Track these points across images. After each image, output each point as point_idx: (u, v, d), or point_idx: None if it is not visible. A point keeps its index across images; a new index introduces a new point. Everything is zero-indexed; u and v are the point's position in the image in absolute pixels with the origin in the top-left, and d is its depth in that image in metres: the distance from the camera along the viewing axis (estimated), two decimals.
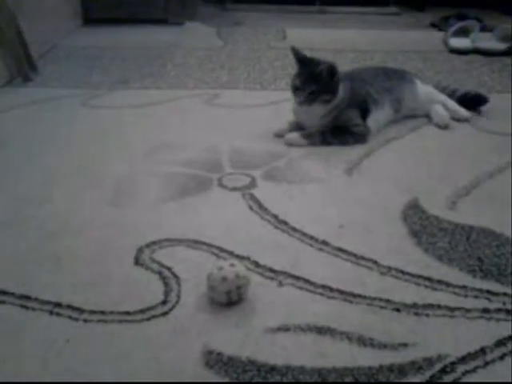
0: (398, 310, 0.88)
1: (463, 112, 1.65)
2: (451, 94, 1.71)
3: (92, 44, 2.58)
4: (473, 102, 1.72)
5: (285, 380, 0.75)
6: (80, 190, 1.25)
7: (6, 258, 1.01)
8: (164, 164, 1.38)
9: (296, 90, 1.46)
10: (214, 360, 0.78)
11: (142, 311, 0.87)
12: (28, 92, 1.90)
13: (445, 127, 1.60)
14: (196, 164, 1.37)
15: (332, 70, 1.43)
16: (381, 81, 1.60)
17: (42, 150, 1.46)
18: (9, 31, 1.90)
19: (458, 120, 1.64)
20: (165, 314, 0.86)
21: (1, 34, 1.88)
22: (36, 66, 2.06)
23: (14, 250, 1.03)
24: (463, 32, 2.62)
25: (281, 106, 1.75)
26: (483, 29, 2.71)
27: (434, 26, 3.14)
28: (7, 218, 1.13)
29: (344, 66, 2.15)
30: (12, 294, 0.90)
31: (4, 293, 0.91)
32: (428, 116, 1.66)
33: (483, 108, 1.72)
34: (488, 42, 2.56)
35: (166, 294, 0.91)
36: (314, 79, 1.43)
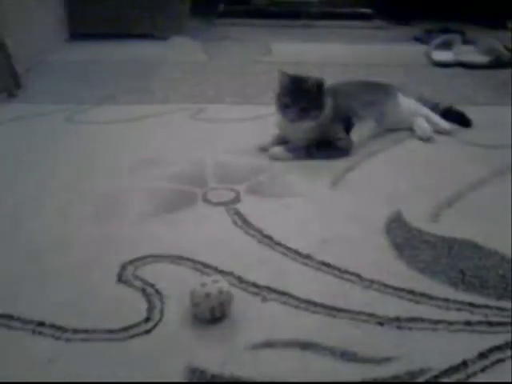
0: (381, 323, 0.88)
1: (445, 125, 1.67)
2: (434, 108, 1.73)
3: (78, 59, 2.59)
4: (456, 119, 1.73)
5: None
6: (65, 206, 1.24)
7: None
8: (149, 179, 1.38)
9: (285, 107, 1.46)
10: (198, 377, 0.77)
11: (125, 329, 0.86)
12: (12, 108, 1.89)
13: (427, 140, 1.62)
14: (181, 179, 1.37)
15: (320, 85, 1.45)
16: (364, 94, 1.62)
17: (27, 166, 1.45)
18: None
19: (441, 133, 1.66)
20: (148, 331, 0.86)
21: None
22: (20, 81, 2.06)
23: None
24: (446, 45, 2.66)
25: (265, 120, 1.76)
26: (466, 42, 2.76)
27: (417, 39, 3.18)
28: None
29: (329, 79, 2.17)
30: None
31: None
32: (411, 129, 1.67)
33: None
34: (470, 54, 2.59)
35: (150, 311, 0.90)
36: (303, 96, 1.44)
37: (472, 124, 1.73)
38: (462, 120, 1.73)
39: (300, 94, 1.44)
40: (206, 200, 1.27)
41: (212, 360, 0.80)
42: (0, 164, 1.47)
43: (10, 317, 0.89)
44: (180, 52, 2.79)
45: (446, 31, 2.99)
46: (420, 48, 2.91)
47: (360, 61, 2.63)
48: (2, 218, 1.20)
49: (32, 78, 2.23)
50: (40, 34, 2.55)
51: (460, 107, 1.79)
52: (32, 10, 2.42)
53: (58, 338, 0.85)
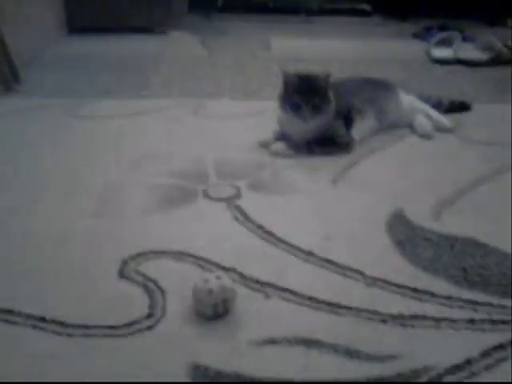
0: (384, 321, 0.88)
1: (446, 122, 1.67)
2: (438, 104, 1.74)
3: (77, 53, 2.57)
4: (459, 108, 1.81)
5: None
6: (65, 201, 1.24)
7: None
8: (149, 175, 1.37)
9: (297, 107, 1.43)
10: (201, 374, 0.77)
11: (127, 325, 0.86)
12: (11, 102, 1.88)
13: (428, 138, 1.61)
14: (181, 174, 1.37)
15: (327, 79, 1.44)
16: (364, 91, 1.61)
17: (26, 160, 1.44)
18: None
19: (442, 130, 1.66)
20: (150, 327, 0.85)
21: None
22: (19, 75, 2.04)
23: None
24: (445, 42, 2.66)
25: (266, 115, 1.75)
26: (465, 39, 2.75)
27: (416, 36, 3.17)
28: None
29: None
30: None
31: None
32: (411, 126, 1.67)
33: (466, 118, 1.75)
34: (470, 52, 2.59)
35: (152, 307, 0.90)
36: (314, 93, 1.42)
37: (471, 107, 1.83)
38: (462, 108, 1.83)
39: (311, 92, 1.43)
40: (207, 196, 1.26)
41: (215, 357, 0.80)
42: None
43: (11, 312, 0.88)
44: (179, 47, 2.78)
45: (445, 28, 2.98)
46: (419, 45, 2.91)
47: (359, 57, 2.62)
48: (0, 212, 1.19)
49: (31, 72, 2.21)
50: (39, 28, 2.53)
51: None
52: (31, 4, 2.40)
53: (59, 334, 0.84)
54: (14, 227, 1.13)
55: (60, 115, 1.77)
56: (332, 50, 2.80)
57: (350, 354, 0.81)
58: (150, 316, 0.88)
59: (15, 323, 0.86)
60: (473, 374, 0.77)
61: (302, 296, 0.93)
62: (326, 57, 2.60)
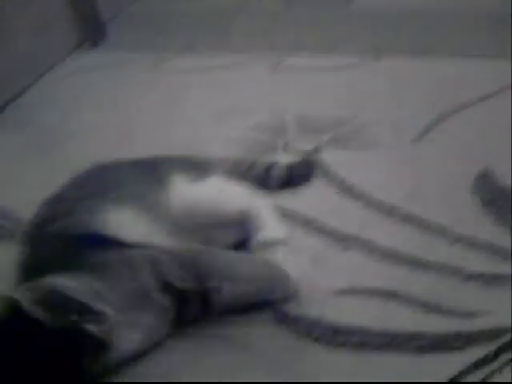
0: (466, 278, 0.87)
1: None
2: None
3: (158, 9, 2.60)
4: None
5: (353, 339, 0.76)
6: (147, 154, 1.27)
7: None
8: (230, 129, 1.39)
9: None
10: (283, 318, 0.80)
11: None
12: (96, 56, 1.94)
13: None
14: (261, 129, 1.38)
15: None
16: None
17: (110, 114, 1.50)
18: None
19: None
20: None
21: None
22: (105, 30, 2.11)
23: None
24: None
25: (346, 70, 1.72)
26: None
27: None
28: None
29: (417, 32, 2.08)
30: None
31: None
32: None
33: None
34: None
35: None
36: None
37: None
38: None
39: None
40: (287, 149, 1.27)
41: (294, 303, 0.83)
42: (83, 112, 1.52)
43: None
44: (257, 1, 2.75)
45: None
46: None
47: (447, 11, 2.47)
48: (85, 162, 1.22)
49: (114, 27, 2.26)
50: None
51: None
52: None
53: None
54: None
55: (142, 70, 1.81)
56: (417, 1, 2.66)
57: (429, 308, 0.81)
58: None
59: None
60: None
61: (383, 250, 0.93)
62: (409, 10, 2.48)
